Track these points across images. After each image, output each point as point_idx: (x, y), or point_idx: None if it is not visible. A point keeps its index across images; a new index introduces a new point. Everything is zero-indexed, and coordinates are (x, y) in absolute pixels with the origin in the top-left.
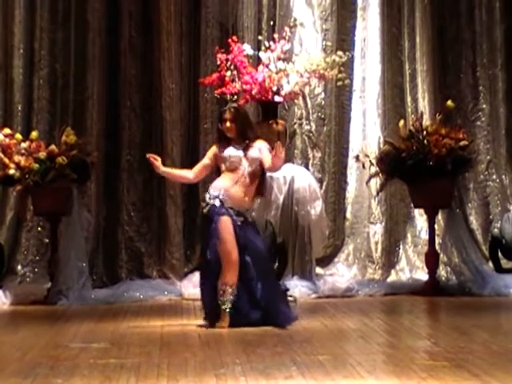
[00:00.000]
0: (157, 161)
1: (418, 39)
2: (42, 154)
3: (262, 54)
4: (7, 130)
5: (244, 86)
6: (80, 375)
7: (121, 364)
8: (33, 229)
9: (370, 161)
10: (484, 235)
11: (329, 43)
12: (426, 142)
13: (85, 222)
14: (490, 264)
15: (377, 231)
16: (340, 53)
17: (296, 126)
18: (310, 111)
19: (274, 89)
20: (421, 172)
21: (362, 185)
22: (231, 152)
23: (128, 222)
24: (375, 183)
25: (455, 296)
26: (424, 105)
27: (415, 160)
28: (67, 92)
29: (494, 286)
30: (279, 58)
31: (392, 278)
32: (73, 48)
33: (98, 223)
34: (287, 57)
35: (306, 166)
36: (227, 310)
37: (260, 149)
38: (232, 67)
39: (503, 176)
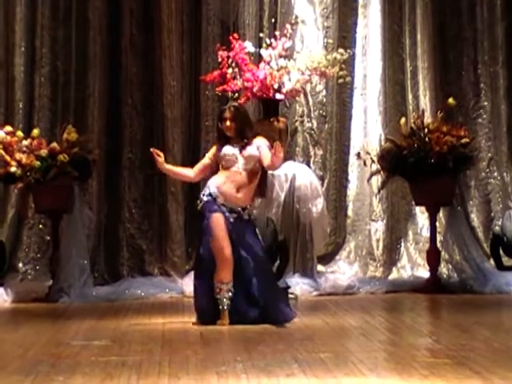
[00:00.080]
0: (160, 157)
1: (419, 36)
2: (44, 152)
3: (263, 52)
4: (9, 128)
5: (245, 84)
6: (81, 373)
7: (122, 361)
8: (34, 226)
9: (372, 158)
10: (485, 233)
11: (330, 40)
12: (427, 139)
13: (86, 219)
14: (492, 261)
15: (378, 229)
16: (341, 50)
17: (297, 124)
18: (312, 109)
19: (276, 86)
20: (422, 169)
21: (364, 182)
22: (227, 150)
23: (129, 220)
24: (376, 181)
25: (456, 293)
26: (425, 102)
27: (416, 157)
28: (68, 90)
29: (495, 284)
30: (280, 56)
31: (393, 275)
32: (74, 46)
33: (99, 220)
34: (288, 54)
35: (308, 164)
36: (226, 308)
37: (258, 146)
38: (233, 65)
39: (504, 173)
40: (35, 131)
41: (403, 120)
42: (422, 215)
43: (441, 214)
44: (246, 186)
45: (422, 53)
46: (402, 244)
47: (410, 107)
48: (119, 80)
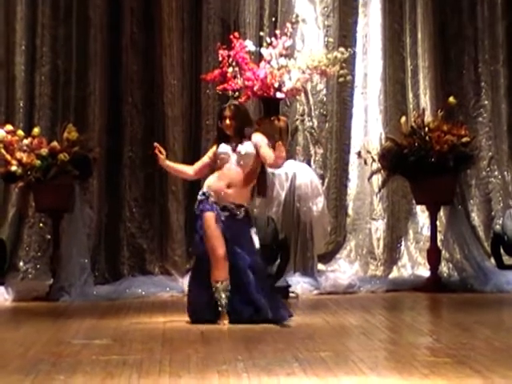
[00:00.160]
0: (162, 154)
1: (419, 35)
2: (44, 151)
3: (263, 51)
4: (9, 127)
5: (246, 83)
6: (82, 371)
7: (123, 360)
8: (35, 225)
9: (372, 157)
10: (486, 232)
11: (331, 39)
12: (427, 138)
13: (87, 218)
14: (492, 260)
15: (379, 228)
16: (342, 49)
17: (298, 123)
18: (312, 107)
19: (276, 85)
20: (423, 168)
21: (364, 181)
22: (221, 148)
23: (130, 219)
24: (377, 180)
25: (457, 292)
26: (426, 101)
27: (417, 156)
28: (69, 88)
29: (495, 283)
30: (281, 55)
31: (394, 274)
32: (74, 44)
33: (99, 219)
34: (289, 53)
35: (308, 163)
36: (224, 307)
37: (256, 144)
38: (234, 63)
39: (505, 172)
40: (36, 130)
41: (404, 119)
42: (422, 214)
43: (441, 213)
44: (238, 183)
45: (423, 51)
46: (403, 243)
47: (411, 106)
48: (120, 78)
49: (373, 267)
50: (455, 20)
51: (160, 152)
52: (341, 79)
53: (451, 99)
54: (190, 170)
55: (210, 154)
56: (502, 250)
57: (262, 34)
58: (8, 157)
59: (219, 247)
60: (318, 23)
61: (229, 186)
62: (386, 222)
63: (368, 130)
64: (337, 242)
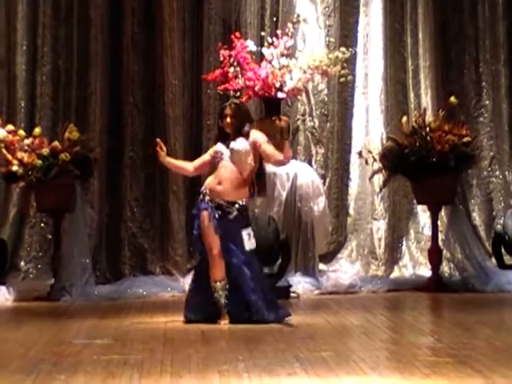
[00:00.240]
0: (162, 150)
1: (420, 35)
2: (45, 151)
3: (264, 50)
4: (10, 127)
5: (247, 83)
6: (83, 371)
7: (124, 360)
8: (36, 225)
9: (373, 157)
10: (487, 231)
11: (332, 39)
12: (428, 138)
13: (88, 218)
14: (493, 260)
15: (380, 227)
16: (343, 49)
17: (299, 123)
18: (313, 107)
19: (277, 85)
20: (424, 168)
21: (365, 181)
22: (218, 147)
23: (131, 219)
24: (378, 179)
25: (458, 292)
26: (427, 101)
27: (418, 156)
28: (70, 88)
29: (497, 282)
30: (282, 54)
31: (395, 274)
32: (75, 44)
33: (100, 219)
34: (290, 53)
35: (309, 163)
36: (224, 306)
37: (255, 141)
38: (235, 63)
39: (506, 172)
40: (37, 130)
41: (405, 119)
42: (423, 214)
43: (442, 213)
44: (229, 180)
45: (424, 51)
46: (404, 243)
47: (412, 106)
48: (121, 79)
49: (374, 267)
50: (456, 20)
51: (161, 148)
52: (342, 79)
53: (452, 99)
54: (189, 167)
55: (210, 151)
56: (503, 250)
57: (263, 33)
58: (9, 157)
59: (214, 247)
60: (319, 23)
61: (219, 183)
62: (387, 222)
63: (369, 129)
64: (338, 242)
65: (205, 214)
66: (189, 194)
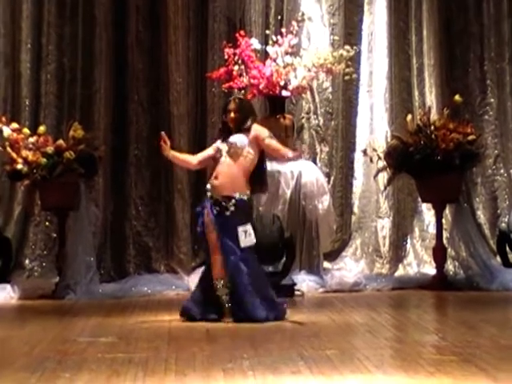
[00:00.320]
0: (166, 144)
1: (425, 33)
2: (50, 149)
3: (269, 49)
4: (15, 125)
5: (251, 81)
6: (88, 369)
7: (129, 358)
8: (40, 223)
9: (378, 155)
10: (492, 229)
11: (336, 37)
12: (433, 136)
13: (92, 216)
14: (498, 258)
15: (384, 225)
16: (347, 47)
17: (304, 121)
18: (318, 105)
19: (282, 83)
20: (428, 166)
21: (370, 179)
22: (217, 143)
23: (136, 217)
24: (383, 178)
25: (463, 290)
26: (431, 99)
27: (423, 154)
28: (75, 86)
29: (501, 281)
30: (287, 53)
31: (400, 272)
32: (80, 43)
33: (105, 218)
34: (295, 51)
35: (314, 161)
36: (226, 304)
37: (257, 136)
38: (239, 61)
39: (511, 170)
40: (41, 128)
41: (409, 117)
42: (428, 212)
43: (447, 211)
44: (225, 174)
45: (428, 49)
46: (409, 241)
47: (416, 104)
48: (125, 77)
49: (378, 265)
50: (461, 17)
51: (165, 142)
52: (346, 77)
53: (457, 97)
54: (193, 160)
55: (214, 146)
56: (507, 248)
57: (267, 32)
58: (14, 155)
59: (214, 245)
60: (323, 21)
61: (216, 177)
62: (392, 220)
63: (374, 128)
64: (342, 240)
65: (206, 212)
66: (194, 192)
